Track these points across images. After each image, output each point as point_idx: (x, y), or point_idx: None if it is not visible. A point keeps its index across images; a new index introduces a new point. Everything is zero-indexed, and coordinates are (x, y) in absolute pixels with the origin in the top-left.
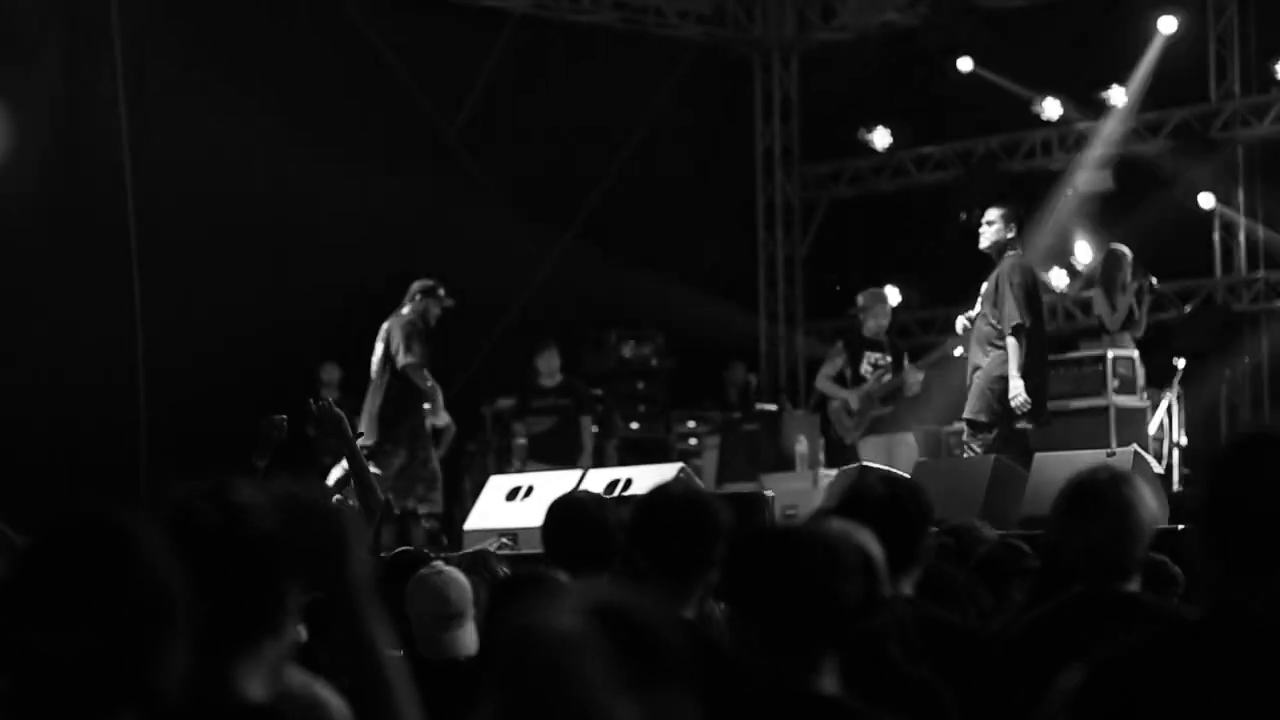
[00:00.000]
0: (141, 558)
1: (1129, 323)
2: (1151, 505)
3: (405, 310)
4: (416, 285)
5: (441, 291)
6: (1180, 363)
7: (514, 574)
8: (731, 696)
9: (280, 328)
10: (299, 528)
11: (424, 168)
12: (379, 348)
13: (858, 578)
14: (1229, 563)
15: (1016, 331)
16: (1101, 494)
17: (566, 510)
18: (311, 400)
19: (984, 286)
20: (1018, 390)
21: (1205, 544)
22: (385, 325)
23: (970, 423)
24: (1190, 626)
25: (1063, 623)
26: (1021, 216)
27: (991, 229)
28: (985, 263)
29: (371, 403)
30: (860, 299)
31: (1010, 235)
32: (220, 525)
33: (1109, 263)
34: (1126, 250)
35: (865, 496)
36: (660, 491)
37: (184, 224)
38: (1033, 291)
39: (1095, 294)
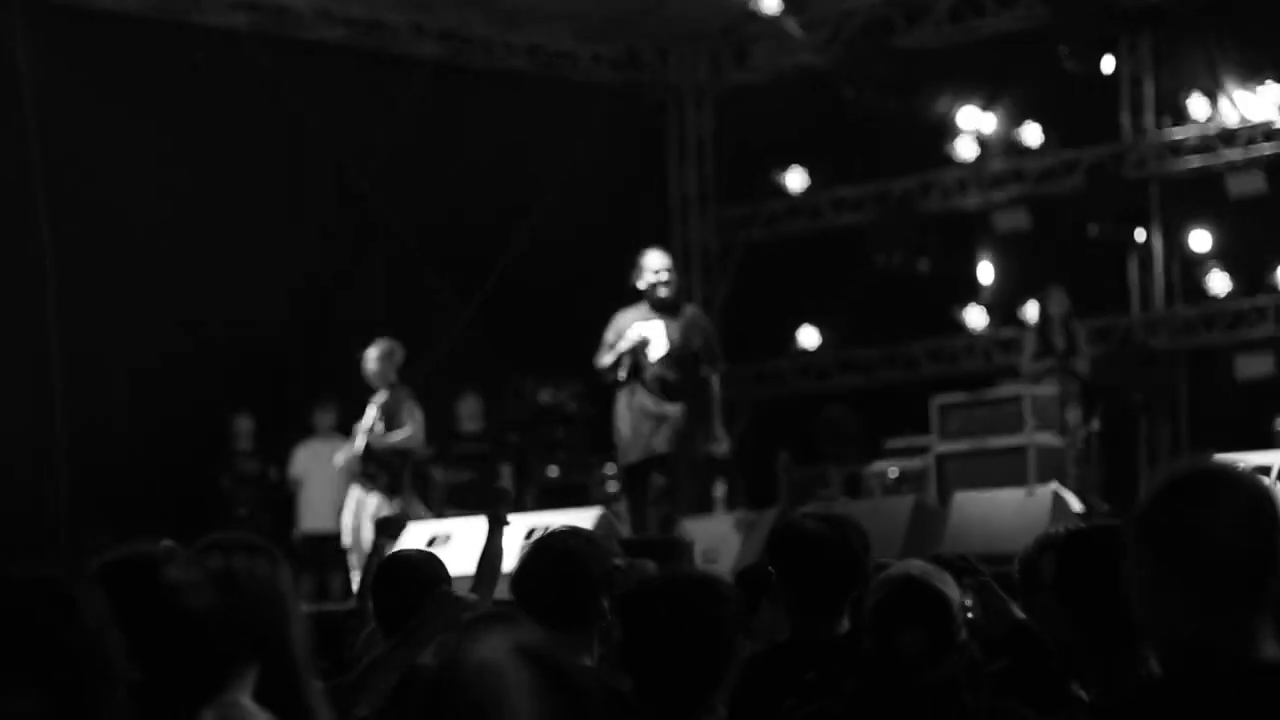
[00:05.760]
0: (84, 619)
1: (1063, 357)
2: None
3: None
4: None
5: None
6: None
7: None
8: None
9: (194, 382)
10: (238, 602)
11: (337, 218)
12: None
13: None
14: (1190, 600)
15: None
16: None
17: (394, 568)
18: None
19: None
20: None
21: (1162, 579)
22: None
23: None
24: (1172, 676)
25: None
26: None
27: (676, 279)
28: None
29: None
30: None
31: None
32: (157, 600)
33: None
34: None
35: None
36: (539, 545)
37: (98, 280)
38: None
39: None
